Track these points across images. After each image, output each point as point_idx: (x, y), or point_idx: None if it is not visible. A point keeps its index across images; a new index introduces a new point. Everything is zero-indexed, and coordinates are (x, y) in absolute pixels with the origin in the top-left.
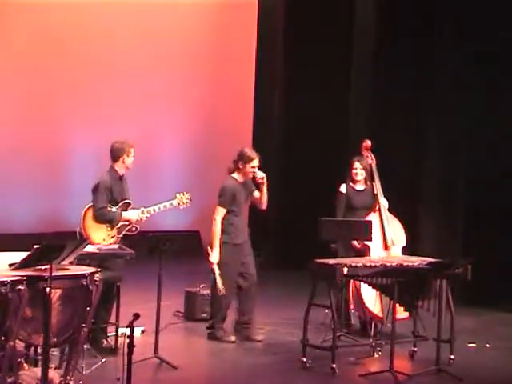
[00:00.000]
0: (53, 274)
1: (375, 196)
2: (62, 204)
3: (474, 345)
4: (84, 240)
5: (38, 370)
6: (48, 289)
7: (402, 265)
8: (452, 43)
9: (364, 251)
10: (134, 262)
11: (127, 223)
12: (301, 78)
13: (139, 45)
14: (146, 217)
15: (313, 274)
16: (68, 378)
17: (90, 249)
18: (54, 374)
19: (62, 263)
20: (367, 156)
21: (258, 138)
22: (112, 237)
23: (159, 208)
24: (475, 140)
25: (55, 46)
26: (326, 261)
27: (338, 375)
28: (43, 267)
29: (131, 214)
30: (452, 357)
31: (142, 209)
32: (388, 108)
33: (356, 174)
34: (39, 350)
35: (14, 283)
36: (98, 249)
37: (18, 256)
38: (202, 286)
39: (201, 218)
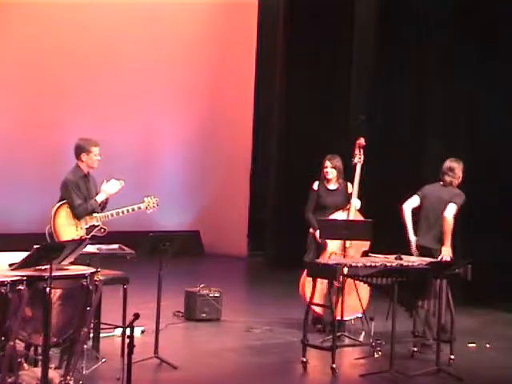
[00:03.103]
0: (53, 274)
1: (349, 195)
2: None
3: (474, 345)
4: (83, 240)
5: (37, 370)
6: (48, 289)
7: (402, 265)
8: (452, 43)
9: (323, 245)
10: (134, 262)
11: (97, 224)
12: (301, 77)
13: (139, 45)
14: (119, 189)
15: (313, 274)
16: (68, 377)
17: (90, 249)
18: (53, 374)
19: (62, 263)
20: (357, 154)
21: (258, 137)
22: (81, 237)
23: (127, 210)
24: (475, 140)
25: (55, 46)
26: (326, 261)
27: (338, 375)
28: (43, 267)
29: (108, 187)
30: (452, 357)
31: (113, 211)
32: (388, 108)
33: (327, 172)
34: (39, 350)
35: (14, 283)
36: (97, 249)
37: (18, 256)
38: (201, 285)
39: (201, 218)
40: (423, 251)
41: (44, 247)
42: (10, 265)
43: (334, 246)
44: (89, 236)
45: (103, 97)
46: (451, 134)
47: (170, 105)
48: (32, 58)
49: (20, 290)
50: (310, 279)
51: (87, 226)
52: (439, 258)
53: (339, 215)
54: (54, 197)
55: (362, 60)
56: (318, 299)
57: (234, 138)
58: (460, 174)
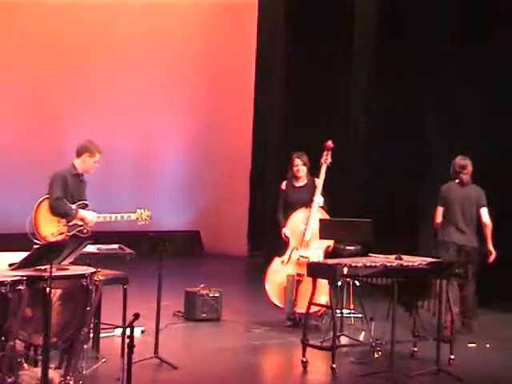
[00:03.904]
0: (53, 274)
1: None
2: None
3: (474, 345)
4: (84, 239)
5: (37, 370)
6: (48, 289)
7: (402, 265)
8: (452, 42)
9: (287, 241)
10: (134, 261)
11: (80, 223)
12: (301, 77)
13: (139, 45)
14: (101, 222)
15: (313, 274)
16: (68, 377)
17: (89, 249)
18: (53, 374)
19: (62, 263)
20: (324, 155)
21: (258, 138)
22: (61, 233)
23: (116, 217)
24: (475, 140)
25: (55, 46)
26: (325, 261)
27: (337, 375)
28: (43, 267)
29: (88, 214)
30: (452, 357)
31: (102, 214)
32: (388, 108)
33: (298, 170)
34: (39, 350)
35: (14, 283)
36: (97, 249)
37: (18, 256)
38: (201, 285)
39: (201, 218)
40: (462, 250)
41: (44, 247)
42: (10, 265)
43: (295, 240)
44: (70, 234)
45: (103, 98)
46: (451, 133)
47: (169, 105)
48: (31, 59)
49: (20, 289)
50: (272, 276)
51: (71, 224)
52: (492, 258)
53: (302, 212)
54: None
55: (362, 60)
56: (280, 294)
57: (234, 138)
58: (471, 169)
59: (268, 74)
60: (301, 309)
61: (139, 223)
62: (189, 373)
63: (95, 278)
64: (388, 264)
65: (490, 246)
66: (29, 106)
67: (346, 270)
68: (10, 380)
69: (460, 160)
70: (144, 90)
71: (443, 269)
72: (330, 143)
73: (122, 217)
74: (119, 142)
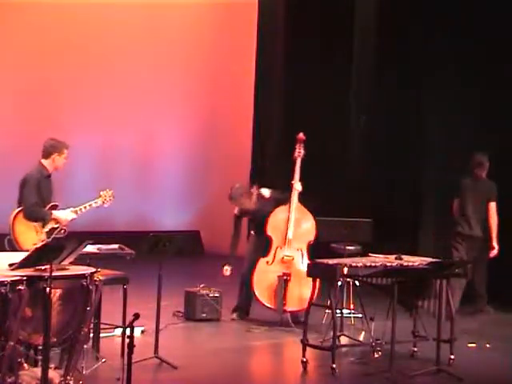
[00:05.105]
0: (53, 274)
1: (266, 199)
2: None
3: (474, 345)
4: (84, 239)
5: (38, 370)
6: (48, 289)
7: (402, 265)
8: (452, 42)
9: (269, 240)
10: (134, 261)
11: (56, 226)
12: (301, 78)
13: (139, 45)
14: (73, 218)
15: (313, 274)
16: (68, 378)
17: (89, 249)
18: (54, 374)
19: (62, 263)
20: (296, 149)
21: (258, 138)
22: (42, 241)
23: (85, 207)
24: (475, 140)
25: (55, 46)
26: (325, 261)
27: (337, 375)
28: (43, 267)
29: (61, 214)
30: (452, 357)
31: (71, 209)
32: (388, 108)
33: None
34: (39, 350)
35: (14, 283)
36: (97, 249)
37: (18, 256)
38: (201, 285)
39: (201, 218)
40: (473, 240)
41: (44, 247)
42: (10, 265)
43: (278, 240)
44: (50, 239)
45: (103, 98)
46: (451, 133)
47: (170, 105)
48: (31, 59)
49: (20, 289)
50: (259, 277)
51: (47, 230)
52: (493, 253)
53: (282, 210)
54: (54, 197)
55: (362, 60)
56: (269, 295)
57: (234, 138)
58: (487, 166)
59: (268, 74)
60: (291, 307)
61: (105, 205)
62: (189, 373)
63: (95, 278)
64: (388, 264)
65: (494, 241)
66: (29, 106)
67: (346, 270)
68: (9, 380)
69: (478, 157)
70: (144, 89)
71: (443, 269)
72: (301, 135)
73: (90, 205)
74: (119, 142)
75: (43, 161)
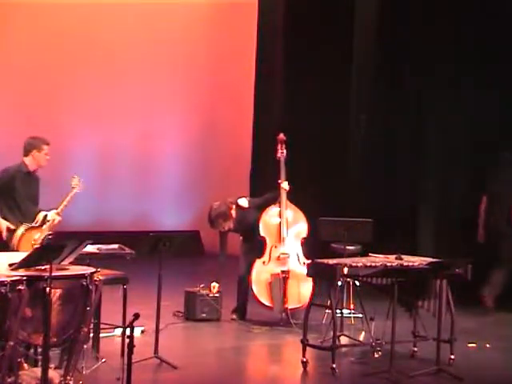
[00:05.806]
0: (53, 274)
1: (244, 209)
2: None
3: (474, 345)
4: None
5: (37, 370)
6: (48, 289)
7: (402, 265)
8: (452, 42)
9: (263, 241)
10: (134, 261)
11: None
12: (301, 78)
13: (139, 45)
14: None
15: (313, 274)
16: (68, 377)
17: (89, 249)
18: (54, 374)
19: (62, 263)
20: (278, 149)
21: (257, 139)
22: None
23: (67, 201)
24: (475, 140)
25: (55, 47)
26: (325, 261)
27: (337, 375)
28: (43, 267)
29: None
30: (452, 357)
31: (54, 211)
32: (388, 108)
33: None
34: (39, 350)
35: (14, 283)
36: (97, 249)
37: (18, 256)
38: (201, 285)
39: (201, 218)
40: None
41: (44, 247)
42: (10, 265)
43: (272, 239)
44: (43, 243)
45: (103, 98)
46: (451, 133)
47: (169, 105)
48: (31, 59)
49: (20, 289)
50: (257, 278)
51: (43, 237)
52: None
53: (273, 209)
54: (55, 197)
55: (362, 60)
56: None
57: (234, 138)
58: None
59: (268, 73)
60: (291, 305)
61: (79, 191)
62: (189, 373)
63: (95, 278)
64: (388, 264)
65: None
66: (29, 106)
67: (346, 270)
68: (9, 380)
69: (505, 155)
70: (144, 89)
71: (443, 269)
72: (281, 136)
73: (71, 197)
74: (119, 142)
75: (24, 158)
